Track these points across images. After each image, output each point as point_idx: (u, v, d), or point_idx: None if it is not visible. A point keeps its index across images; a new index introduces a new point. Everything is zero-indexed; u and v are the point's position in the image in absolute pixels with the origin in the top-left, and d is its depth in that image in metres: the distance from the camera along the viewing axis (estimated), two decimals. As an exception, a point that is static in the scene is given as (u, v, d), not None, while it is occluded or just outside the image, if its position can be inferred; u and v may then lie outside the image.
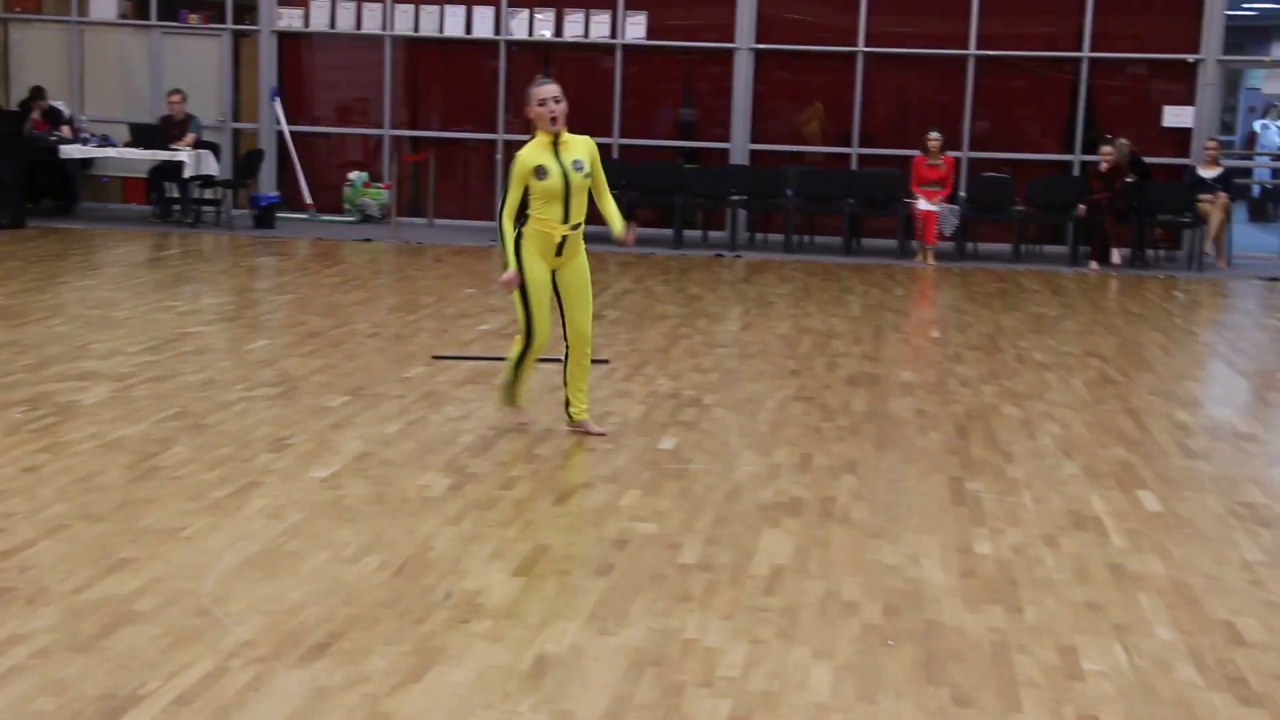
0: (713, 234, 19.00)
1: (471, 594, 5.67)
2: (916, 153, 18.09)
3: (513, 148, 19.10)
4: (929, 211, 17.65)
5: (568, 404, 8.22)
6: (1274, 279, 16.93)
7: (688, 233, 18.70)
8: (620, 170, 19.02)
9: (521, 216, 7.82)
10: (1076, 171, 18.70)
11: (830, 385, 9.98)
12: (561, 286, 7.99)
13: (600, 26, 19.36)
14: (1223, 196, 17.93)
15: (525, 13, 19.43)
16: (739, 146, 19.36)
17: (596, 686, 4.84)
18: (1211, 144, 18.30)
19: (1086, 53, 18.76)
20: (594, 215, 8.04)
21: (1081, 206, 17.70)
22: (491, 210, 19.39)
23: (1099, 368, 11.05)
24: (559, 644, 5.20)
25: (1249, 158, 25.42)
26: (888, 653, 5.25)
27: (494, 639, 5.22)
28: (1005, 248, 18.38)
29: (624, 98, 19.52)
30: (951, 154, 18.27)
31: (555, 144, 7.77)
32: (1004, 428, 8.90)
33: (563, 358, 8.17)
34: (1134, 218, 17.86)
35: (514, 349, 8.08)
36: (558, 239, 7.80)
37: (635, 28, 19.32)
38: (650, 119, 19.82)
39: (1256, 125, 25.51)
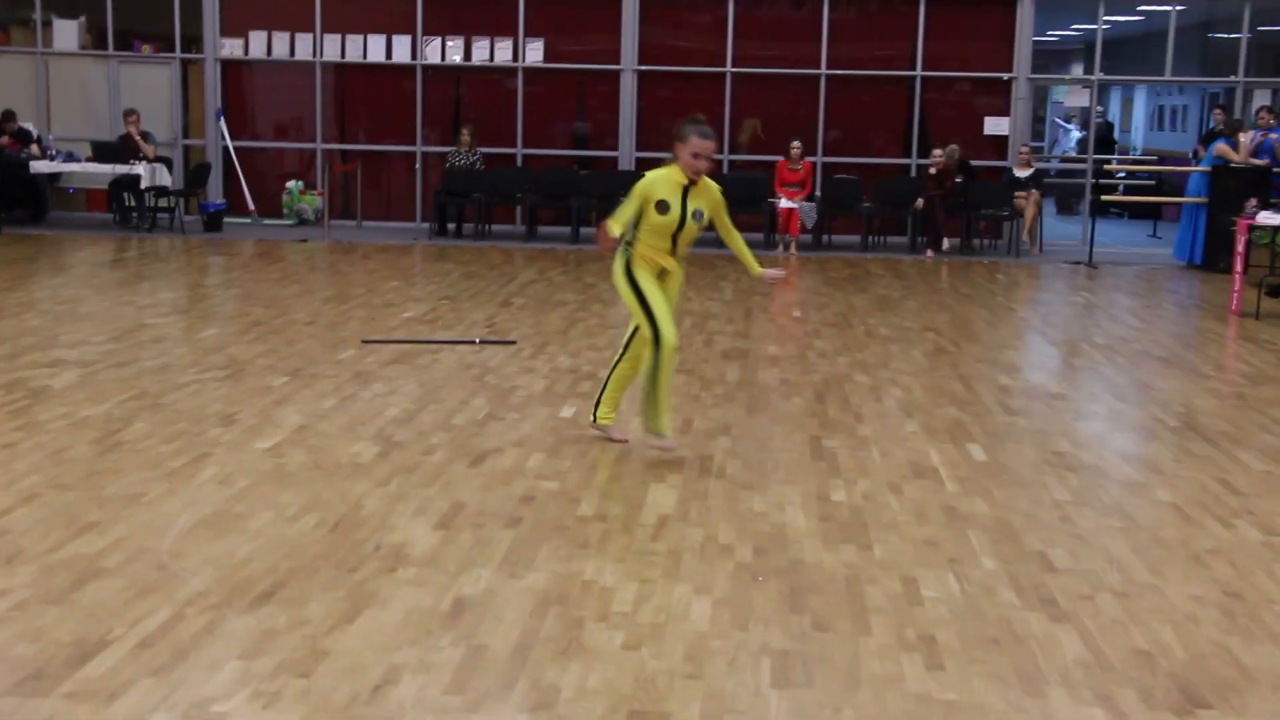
0: (605, 231, 18.92)
1: (398, 546, 5.62)
2: (780, 158, 18.15)
3: (431, 160, 19.27)
4: (791, 209, 17.71)
5: (598, 403, 7.44)
6: (1078, 262, 17.16)
7: (584, 230, 18.60)
8: (523, 177, 18.99)
9: (630, 245, 6.98)
10: (913, 173, 18.85)
11: (707, 359, 9.99)
12: None
13: (503, 51, 19.23)
14: (1035, 193, 18.16)
15: (438, 40, 19.27)
16: (626, 154, 19.32)
17: (508, 623, 4.81)
18: (1024, 149, 18.53)
19: (920, 72, 18.91)
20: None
21: (918, 202, 17.86)
22: (411, 213, 19.37)
23: (934, 340, 11.14)
24: (475, 587, 5.16)
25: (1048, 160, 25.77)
26: (757, 587, 5.26)
27: (418, 584, 5.17)
28: (855, 239, 18.49)
29: (525, 114, 19.40)
30: (809, 159, 18.35)
31: (686, 188, 6.89)
32: (855, 393, 8.95)
33: (617, 358, 7.40)
34: (962, 212, 18.05)
35: (645, 361, 7.07)
36: (660, 265, 7.02)
37: (534, 52, 19.20)
38: (549, 132, 19.71)
39: (1065, 132, 25.87)
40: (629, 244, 6.98)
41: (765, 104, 19.33)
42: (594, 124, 19.77)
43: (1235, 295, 13.15)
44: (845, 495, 6.58)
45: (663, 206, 6.84)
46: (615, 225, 6.79)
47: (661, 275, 7.05)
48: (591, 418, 7.47)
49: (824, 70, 18.96)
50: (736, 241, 7.42)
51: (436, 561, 5.44)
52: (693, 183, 6.88)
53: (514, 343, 10.33)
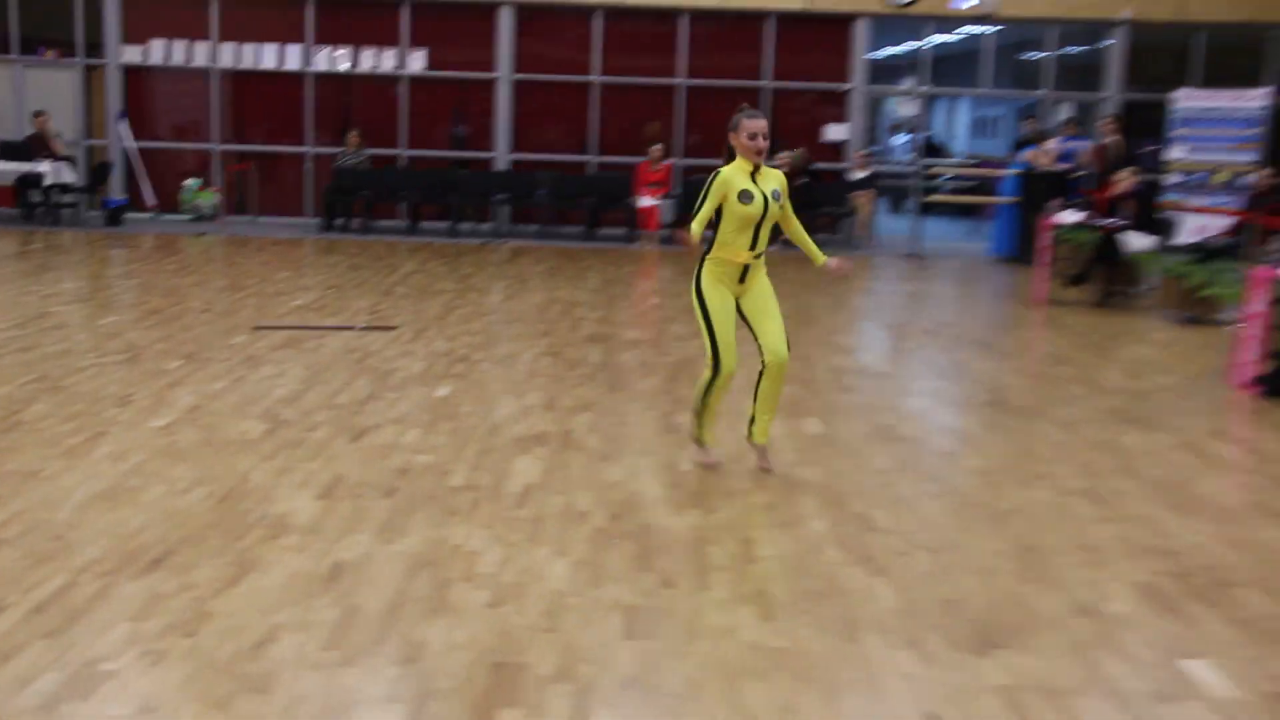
0: (481, 226, 18.86)
1: (281, 515, 5.56)
2: (642, 159, 18.20)
3: (321, 160, 19.01)
4: (651, 207, 17.77)
5: (752, 422, 6.59)
6: (907, 255, 17.47)
7: (462, 225, 18.53)
8: (407, 177, 18.83)
9: (708, 250, 6.31)
10: (762, 174, 19.01)
11: (572, 343, 10.00)
12: (748, 311, 6.43)
13: (389, 60, 19.04)
14: (870, 193, 18.44)
15: (327, 49, 19.01)
16: (502, 156, 19.26)
17: (382, 585, 4.80)
18: (860, 153, 18.80)
19: (769, 82, 19.09)
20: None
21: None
22: (302, 209, 19.08)
23: (778, 325, 11.26)
24: (352, 552, 5.14)
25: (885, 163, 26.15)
26: (611, 549, 5.31)
27: (299, 550, 5.13)
28: (709, 234, 18.57)
29: (410, 118, 19.25)
30: (669, 161, 18.43)
31: (754, 173, 6.26)
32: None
33: (757, 376, 6.59)
34: (806, 210, 18.23)
35: (702, 378, 6.52)
36: (741, 266, 6.29)
37: (417, 61, 19.04)
38: (431, 135, 19.55)
39: (897, 138, 26.30)
40: (709, 248, 6.29)
41: (629, 111, 19.36)
42: (472, 128, 19.64)
43: (1041, 285, 13.49)
44: (693, 465, 6.64)
45: (746, 196, 6.14)
46: (696, 225, 6.12)
47: (744, 278, 6.33)
48: (747, 435, 6.64)
49: (682, 80, 19.05)
50: (801, 234, 6.59)
51: (317, 529, 5.40)
52: (757, 168, 6.24)
53: (395, 328, 10.26)
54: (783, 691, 4.03)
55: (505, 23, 18.90)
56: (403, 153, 19.24)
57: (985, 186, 21.49)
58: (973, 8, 18.62)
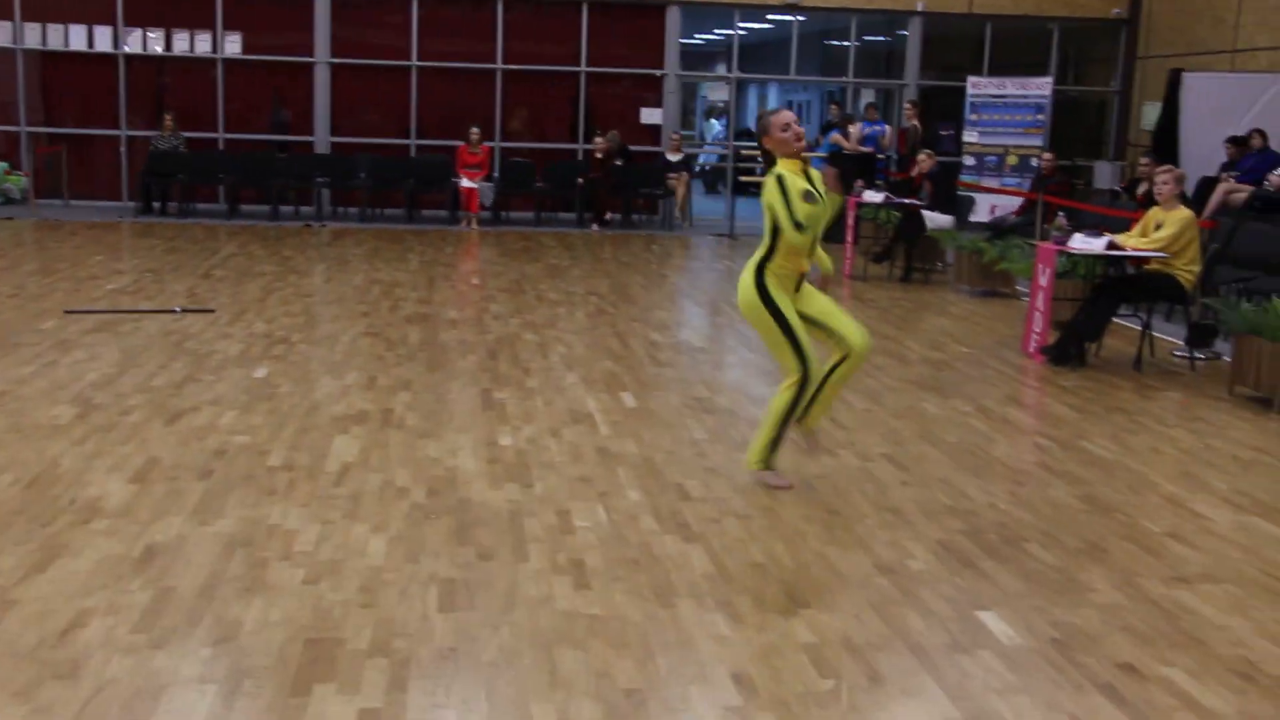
0: (303, 209, 18.42)
1: (92, 500, 5.34)
2: (461, 143, 17.99)
3: (137, 143, 18.30)
4: (471, 188, 17.58)
5: (808, 410, 5.91)
6: (721, 235, 17.64)
7: (283, 208, 18.07)
8: (226, 161, 18.26)
9: (767, 256, 5.67)
10: (580, 156, 18.99)
11: (392, 323, 9.84)
12: (813, 313, 5.77)
13: (203, 43, 18.40)
14: (685, 175, 18.56)
15: (139, 31, 18.29)
16: (322, 140, 18.82)
17: (196, 566, 4.64)
18: (675, 136, 18.91)
19: (584, 68, 19.05)
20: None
21: (579, 179, 18.01)
22: (118, 193, 18.38)
23: (597, 303, 11.27)
24: (166, 535, 4.96)
25: (700, 147, 26.34)
26: (429, 524, 5.23)
27: (110, 534, 4.93)
28: (529, 215, 18.55)
29: (227, 101, 18.64)
30: (488, 144, 18.26)
31: (806, 174, 5.67)
32: (524, 350, 8.97)
33: (835, 363, 5.85)
34: (622, 191, 18.31)
35: (782, 398, 5.79)
36: (799, 274, 5.72)
37: (233, 44, 18.44)
38: (250, 118, 18.97)
39: (710, 122, 26.52)
40: (768, 254, 5.66)
41: (448, 95, 19.10)
42: (292, 111, 19.13)
43: (848, 261, 13.76)
44: (512, 440, 6.59)
45: (810, 197, 5.57)
46: (801, 229, 5.51)
47: (798, 286, 5.77)
48: (765, 464, 5.98)
49: (500, 65, 18.89)
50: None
51: (130, 512, 5.19)
52: (806, 166, 5.71)
53: (213, 311, 9.95)
54: (597, 657, 4.02)
55: (321, 6, 18.45)
56: (221, 136, 18.65)
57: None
58: (780, -3, 18.87)
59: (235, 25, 18.42)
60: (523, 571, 4.73)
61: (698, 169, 24.05)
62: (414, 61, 18.76)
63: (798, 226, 5.51)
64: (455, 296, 11.49)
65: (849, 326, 5.79)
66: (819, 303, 5.81)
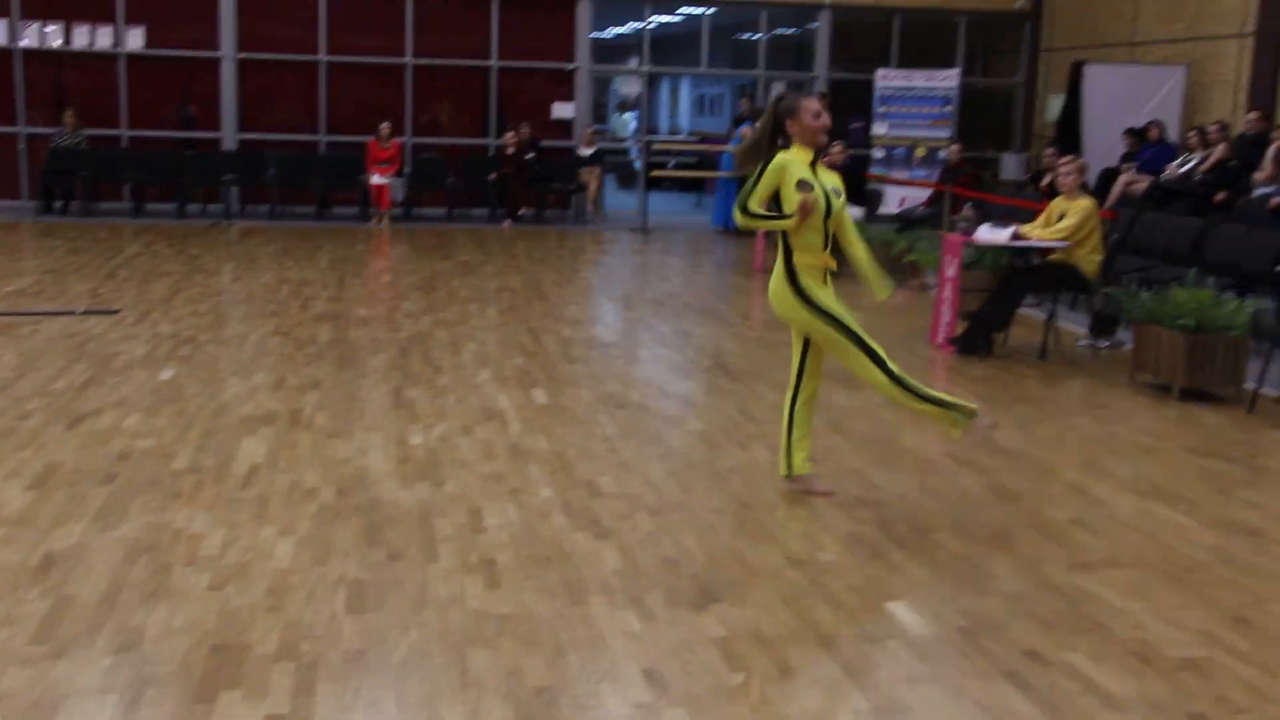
0: (211, 207, 18.12)
1: (-11, 508, 5.22)
2: (371, 138, 17.81)
3: (36, 140, 17.89)
4: (382, 185, 17.43)
5: (789, 454, 5.75)
6: (634, 229, 17.65)
7: (190, 206, 17.77)
8: (131, 158, 17.94)
9: (788, 255, 5.48)
10: (491, 152, 18.89)
11: (302, 322, 9.72)
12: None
13: (104, 37, 18.03)
14: (597, 169, 18.55)
15: (36, 24, 17.88)
16: (229, 136, 18.54)
17: (97, 573, 4.55)
18: (588, 130, 18.88)
19: (495, 62, 18.95)
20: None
21: (492, 176, 17.92)
22: (17, 190, 17.97)
23: (509, 299, 11.22)
24: (66, 542, 4.85)
25: (619, 141, 26.31)
26: (338, 524, 5.17)
27: (7, 543, 4.81)
28: (441, 211, 18.42)
29: (130, 97, 18.29)
30: (398, 139, 18.11)
31: (813, 164, 5.49)
32: (436, 347, 8.91)
33: (790, 402, 5.77)
34: (535, 186, 18.25)
35: (877, 380, 5.49)
36: (824, 270, 5.51)
37: (135, 39, 18.09)
38: (154, 115, 18.61)
39: (623, 116, 26.50)
40: (787, 253, 5.48)
41: (358, 90, 18.91)
42: (199, 107, 18.81)
43: (759, 254, 13.83)
44: (423, 438, 6.54)
45: (805, 186, 5.36)
46: (754, 204, 5.40)
47: (826, 281, 5.55)
48: (785, 470, 5.79)
49: (409, 59, 18.73)
50: (859, 252, 5.61)
51: (27, 520, 5.08)
52: (815, 160, 5.50)
53: (117, 312, 9.76)
54: (508, 656, 4.00)
55: (227, 2, 18.16)
56: (124, 133, 18.29)
57: (707, 162, 21.90)
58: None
59: (138, 19, 18.07)
60: (433, 571, 4.70)
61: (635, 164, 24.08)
62: (323, 56, 18.54)
63: (744, 210, 5.42)
64: (366, 294, 11.38)
65: (870, 337, 5.56)
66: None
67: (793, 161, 5.42)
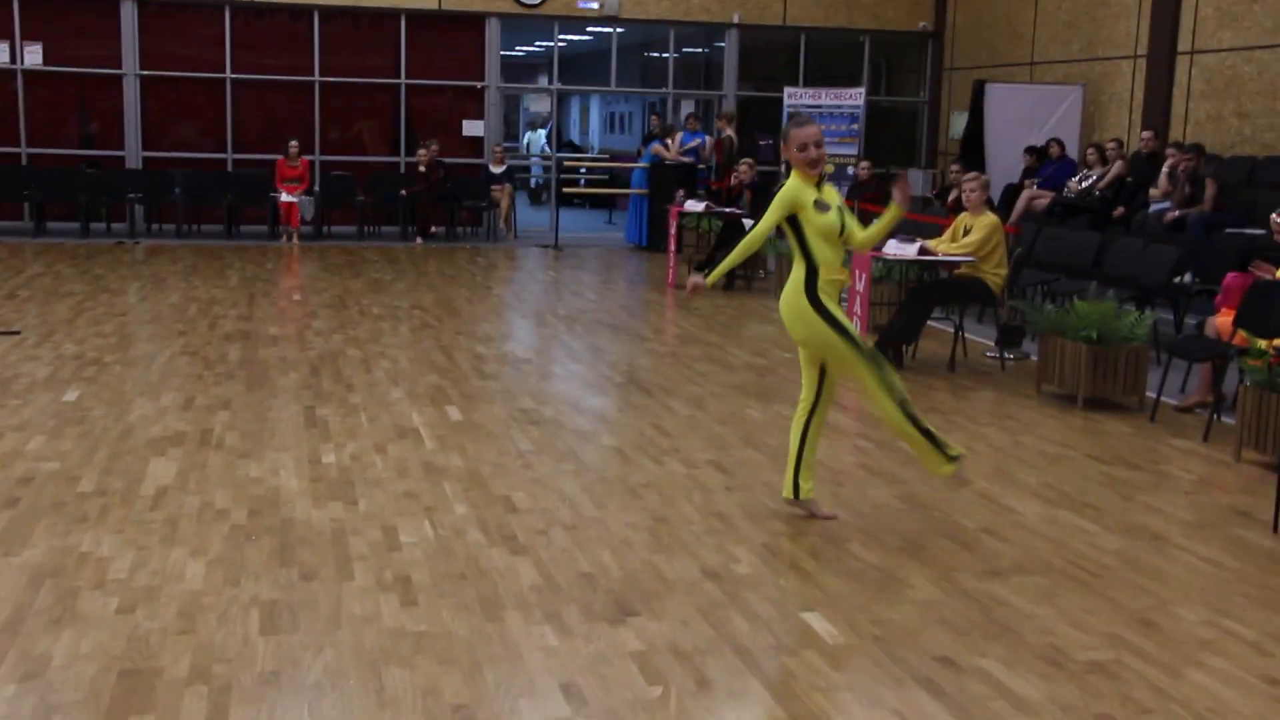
0: (115, 225, 17.79)
1: (-113, 534, 5.06)
2: (279, 156, 17.61)
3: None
4: (291, 203, 17.24)
5: (796, 477, 5.67)
6: (546, 246, 17.62)
7: (93, 225, 17.41)
8: (31, 176, 17.54)
9: (811, 275, 5.43)
10: (402, 169, 18.75)
11: (211, 342, 9.57)
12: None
13: (0, 53, 17.63)
14: (508, 186, 18.51)
15: (-68, 42, 17.46)
16: (133, 153, 18.21)
17: (0, 600, 4.43)
18: (498, 148, 18.83)
19: (404, 80, 18.83)
20: None
21: (403, 192, 17.79)
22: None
23: (421, 316, 11.14)
24: (-33, 569, 4.73)
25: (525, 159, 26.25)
26: (250, 545, 5.09)
27: (-94, 570, 4.68)
28: (352, 229, 18.23)
29: (29, 115, 17.89)
30: (307, 157, 17.92)
31: (819, 188, 5.48)
32: (348, 366, 8.82)
33: (804, 423, 5.66)
34: (446, 203, 18.15)
35: (885, 407, 5.51)
36: (840, 285, 5.53)
37: (33, 55, 17.70)
38: (56, 132, 18.23)
39: (529, 135, 26.43)
40: (811, 272, 5.44)
41: (265, 108, 18.69)
42: (101, 124, 18.46)
43: (671, 270, 13.89)
44: (335, 457, 6.47)
45: (822, 206, 5.40)
46: (759, 234, 5.41)
47: (839, 299, 5.58)
48: (791, 494, 5.69)
49: (317, 77, 18.55)
50: (874, 232, 5.67)
51: (-73, 546, 4.94)
52: (820, 184, 5.50)
53: (18, 333, 9.53)
54: (425, 674, 3.96)
55: (128, 17, 17.84)
56: (24, 150, 17.89)
57: (617, 179, 21.96)
58: (596, 9, 18.93)
59: (35, 35, 17.69)
60: (348, 590, 4.64)
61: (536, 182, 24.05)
62: (228, 74, 18.30)
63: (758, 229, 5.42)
64: (276, 313, 11.23)
65: (880, 357, 5.60)
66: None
67: (798, 187, 5.41)
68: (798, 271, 5.48)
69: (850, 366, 5.50)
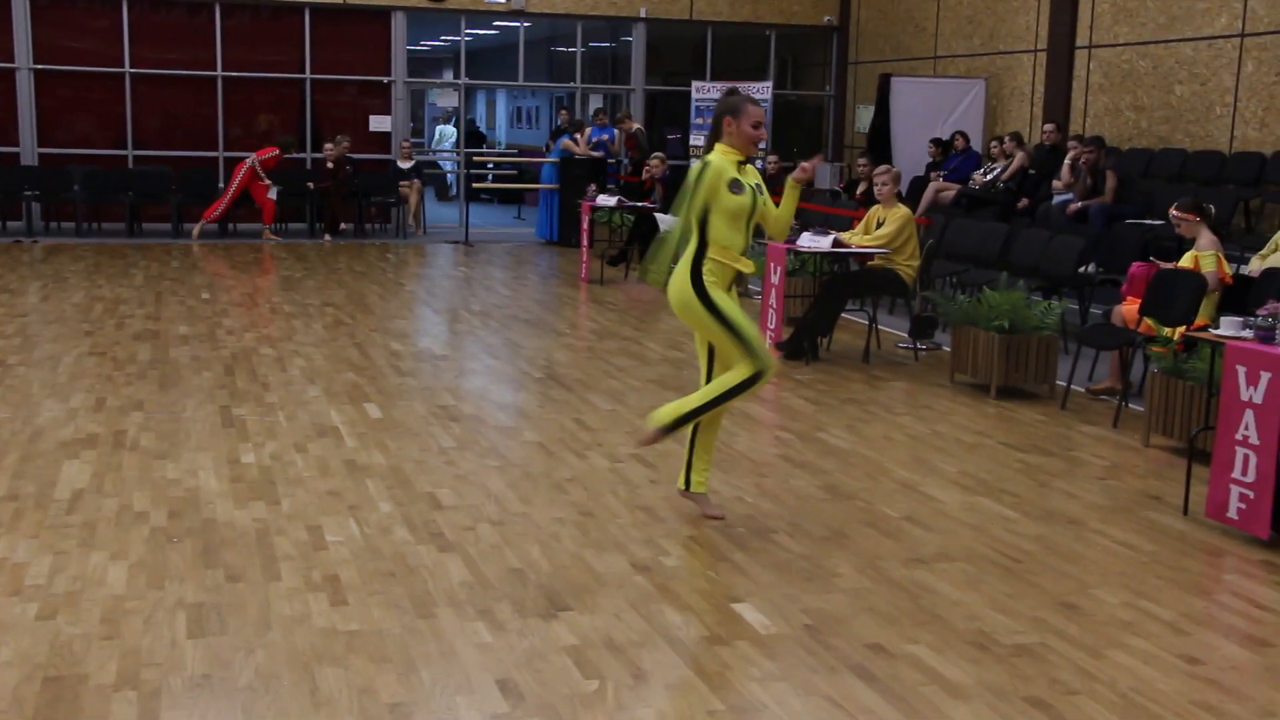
0: (11, 224, 17.35)
1: None
2: (272, 149, 17.15)
3: None
4: (271, 199, 16.93)
5: (689, 470, 5.59)
6: (457, 242, 17.51)
7: (-12, 223, 16.99)
8: (-79, 172, 17.03)
9: (700, 251, 5.27)
10: (309, 165, 18.50)
11: (119, 341, 9.37)
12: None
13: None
14: (417, 182, 18.35)
15: None
16: (28, 150, 17.75)
17: (-85, 609, 4.31)
18: (406, 144, 18.66)
19: (309, 75, 18.59)
20: None
21: (310, 185, 17.56)
22: None
23: (334, 314, 11.01)
24: (-122, 577, 4.58)
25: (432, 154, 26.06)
26: (172, 548, 5.00)
27: None
28: (257, 226, 17.91)
29: (-82, 110, 17.40)
30: (212, 154, 17.61)
31: (740, 166, 5.34)
32: (262, 364, 8.69)
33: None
34: (354, 199, 17.94)
35: (728, 378, 5.32)
36: (735, 273, 5.34)
37: (-78, 50, 17.21)
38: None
39: (438, 129, 26.23)
40: (700, 249, 5.28)
41: (165, 103, 18.33)
42: (-8, 120, 18.00)
43: (584, 265, 13.88)
44: (255, 457, 6.38)
45: (736, 186, 5.23)
46: (687, 221, 5.25)
47: (731, 288, 5.38)
48: (683, 484, 5.61)
49: (220, 72, 18.24)
50: (778, 218, 5.51)
51: None
52: (744, 161, 5.37)
53: (-83, 335, 9.27)
54: (359, 673, 3.92)
55: (19, 10, 17.37)
56: (-87, 147, 17.41)
57: (527, 174, 21.87)
58: (502, 3, 18.84)
59: (-78, 30, 17.20)
60: (275, 591, 4.58)
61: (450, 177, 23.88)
62: (127, 69, 17.92)
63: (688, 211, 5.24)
64: (185, 312, 11.00)
65: (765, 349, 5.35)
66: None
67: (722, 163, 5.24)
68: (688, 250, 5.31)
69: (725, 348, 5.34)
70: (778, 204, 5.54)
